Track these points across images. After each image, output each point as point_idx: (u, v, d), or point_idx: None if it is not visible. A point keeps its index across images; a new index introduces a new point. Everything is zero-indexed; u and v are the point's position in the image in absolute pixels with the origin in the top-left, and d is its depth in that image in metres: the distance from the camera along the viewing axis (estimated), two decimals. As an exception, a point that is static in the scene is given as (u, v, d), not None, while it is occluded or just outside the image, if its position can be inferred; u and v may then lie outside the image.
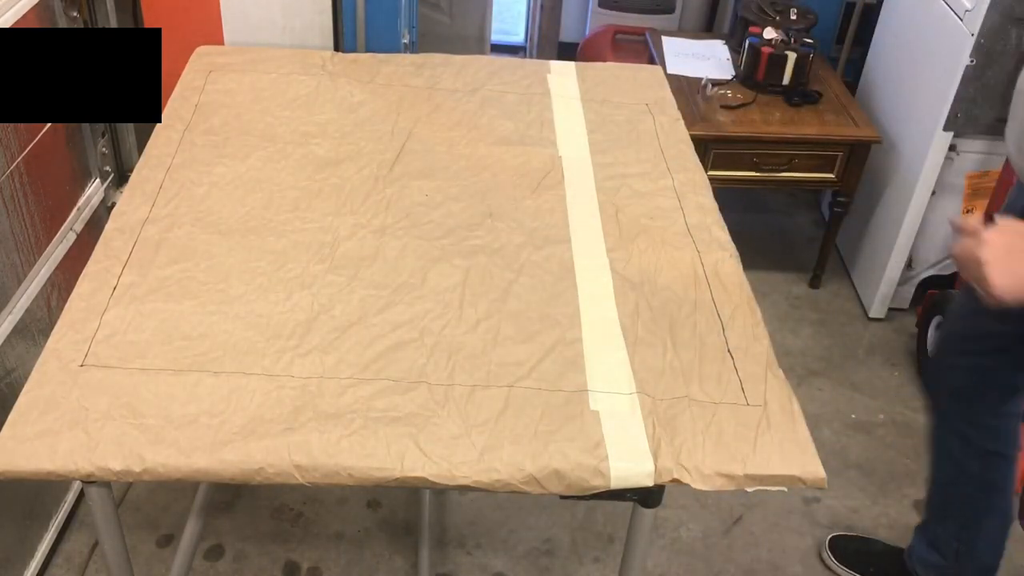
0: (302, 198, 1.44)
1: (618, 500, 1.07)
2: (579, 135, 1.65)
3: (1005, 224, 1.11)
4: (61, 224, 1.79)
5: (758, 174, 2.48)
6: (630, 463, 1.04)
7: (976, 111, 2.21)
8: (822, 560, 1.94)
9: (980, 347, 1.56)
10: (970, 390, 1.62)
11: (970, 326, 1.58)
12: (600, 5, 3.42)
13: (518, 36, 3.84)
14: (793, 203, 3.09)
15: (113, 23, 1.97)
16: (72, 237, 1.82)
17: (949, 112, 2.22)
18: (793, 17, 2.61)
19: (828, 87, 2.59)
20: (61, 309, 1.21)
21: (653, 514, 1.13)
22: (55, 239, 1.76)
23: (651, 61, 2.70)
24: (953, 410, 1.65)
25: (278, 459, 1.02)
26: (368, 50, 1.97)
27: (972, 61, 2.13)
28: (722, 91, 2.53)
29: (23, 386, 1.09)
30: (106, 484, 1.08)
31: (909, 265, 2.51)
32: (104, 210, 1.96)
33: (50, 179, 1.73)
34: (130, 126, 2.07)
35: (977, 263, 1.09)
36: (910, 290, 2.58)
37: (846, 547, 1.94)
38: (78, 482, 1.26)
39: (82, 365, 1.12)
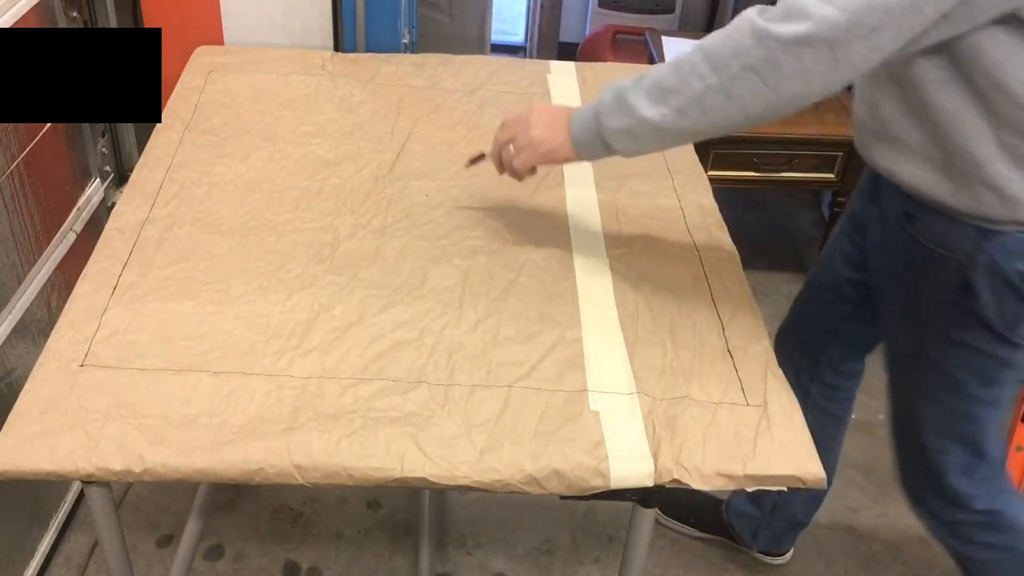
0: (302, 198, 1.44)
1: (618, 500, 1.07)
2: (579, 135, 1.65)
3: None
4: (61, 224, 1.79)
5: (758, 174, 2.47)
6: (630, 463, 1.04)
7: (976, 111, 2.21)
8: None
9: (833, 296, 1.54)
10: (817, 343, 1.60)
11: (826, 275, 1.55)
12: (600, 5, 3.42)
13: (518, 36, 3.84)
14: (793, 203, 3.09)
15: (113, 23, 1.97)
16: (72, 237, 1.82)
17: (949, 112, 2.22)
18: (793, 17, 2.61)
19: (828, 87, 2.59)
20: (61, 309, 1.21)
21: (653, 514, 1.13)
22: (55, 239, 1.76)
23: (651, 61, 2.70)
24: (799, 363, 1.62)
25: (278, 459, 1.02)
26: (368, 50, 1.97)
27: (972, 61, 2.13)
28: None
29: (23, 386, 1.09)
30: (106, 484, 1.08)
31: (909, 265, 2.51)
32: (104, 210, 1.96)
33: (50, 179, 1.73)
34: (130, 126, 2.07)
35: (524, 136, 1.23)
36: (910, 290, 2.57)
37: (672, 498, 1.95)
38: (78, 482, 1.26)
39: (82, 365, 1.12)
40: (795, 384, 1.63)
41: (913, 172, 1.21)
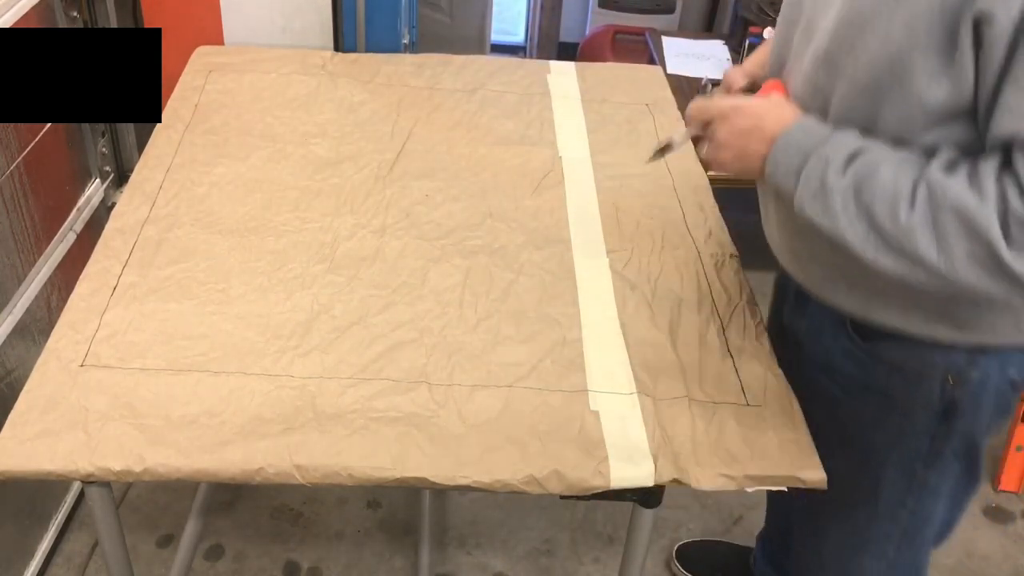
0: (302, 198, 1.44)
1: (618, 500, 1.07)
2: (579, 135, 1.65)
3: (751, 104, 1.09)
4: (61, 224, 1.79)
5: (758, 174, 2.47)
6: (630, 463, 1.04)
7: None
8: (671, 572, 1.88)
9: None
10: None
11: None
12: (600, 5, 3.42)
13: (518, 36, 3.84)
14: (793, 203, 3.08)
15: (113, 23, 1.96)
16: (72, 237, 1.82)
17: (949, 112, 2.22)
18: (793, 17, 2.61)
19: (828, 87, 2.59)
20: (61, 309, 1.21)
21: (653, 514, 1.13)
22: (55, 239, 1.76)
23: (651, 61, 2.70)
24: None
25: (278, 459, 1.02)
26: (368, 50, 1.97)
27: (972, 61, 2.13)
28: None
29: (23, 386, 1.09)
30: (106, 484, 1.08)
31: (909, 265, 2.51)
32: (104, 210, 1.96)
33: (50, 179, 1.73)
34: (130, 126, 2.07)
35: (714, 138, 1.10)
36: (910, 290, 2.57)
37: (691, 554, 1.90)
38: (78, 482, 1.26)
39: (82, 365, 1.12)
40: None
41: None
